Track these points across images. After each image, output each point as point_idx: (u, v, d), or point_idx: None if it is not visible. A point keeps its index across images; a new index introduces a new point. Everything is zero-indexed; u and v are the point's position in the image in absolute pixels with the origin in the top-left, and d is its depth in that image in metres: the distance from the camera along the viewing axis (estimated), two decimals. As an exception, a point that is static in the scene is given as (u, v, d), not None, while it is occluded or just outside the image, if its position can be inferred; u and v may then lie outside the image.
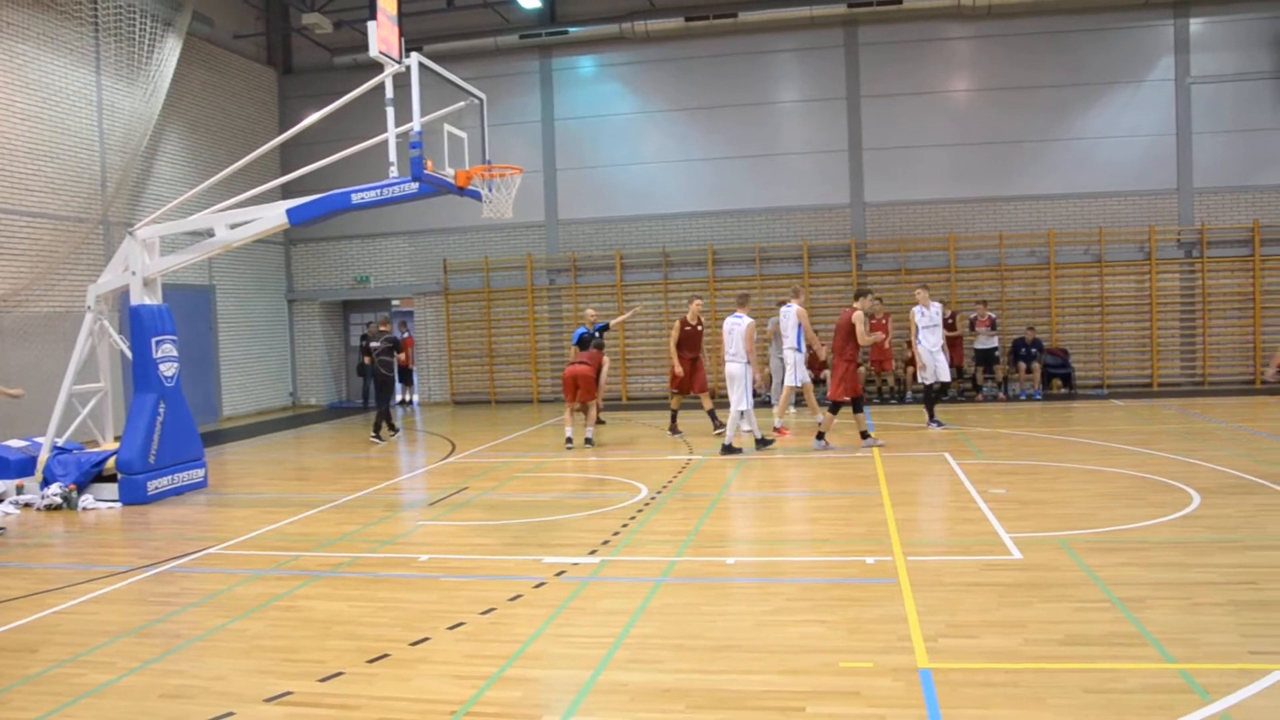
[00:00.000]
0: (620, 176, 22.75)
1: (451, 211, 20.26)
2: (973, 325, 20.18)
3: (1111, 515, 9.02)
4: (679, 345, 15.41)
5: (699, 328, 15.55)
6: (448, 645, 6.05)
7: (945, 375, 15.83)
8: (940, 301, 15.77)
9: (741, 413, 13.51)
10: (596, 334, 17.84)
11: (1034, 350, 20.08)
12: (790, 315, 15.20)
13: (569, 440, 14.82)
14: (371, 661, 5.79)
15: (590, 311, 18.08)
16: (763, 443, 13.86)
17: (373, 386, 18.96)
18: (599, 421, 17.33)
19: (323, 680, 5.51)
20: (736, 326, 13.55)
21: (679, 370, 15.26)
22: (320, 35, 22.16)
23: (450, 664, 5.73)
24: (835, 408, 13.70)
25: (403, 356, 23.97)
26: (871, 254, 21.84)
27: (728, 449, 13.49)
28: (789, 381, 15.41)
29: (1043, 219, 21.33)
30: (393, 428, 17.78)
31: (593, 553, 8.20)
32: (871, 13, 21.22)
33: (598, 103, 22.97)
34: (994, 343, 20.10)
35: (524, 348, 23.02)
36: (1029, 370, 20.05)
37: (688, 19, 21.64)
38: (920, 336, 15.57)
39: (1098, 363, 21.11)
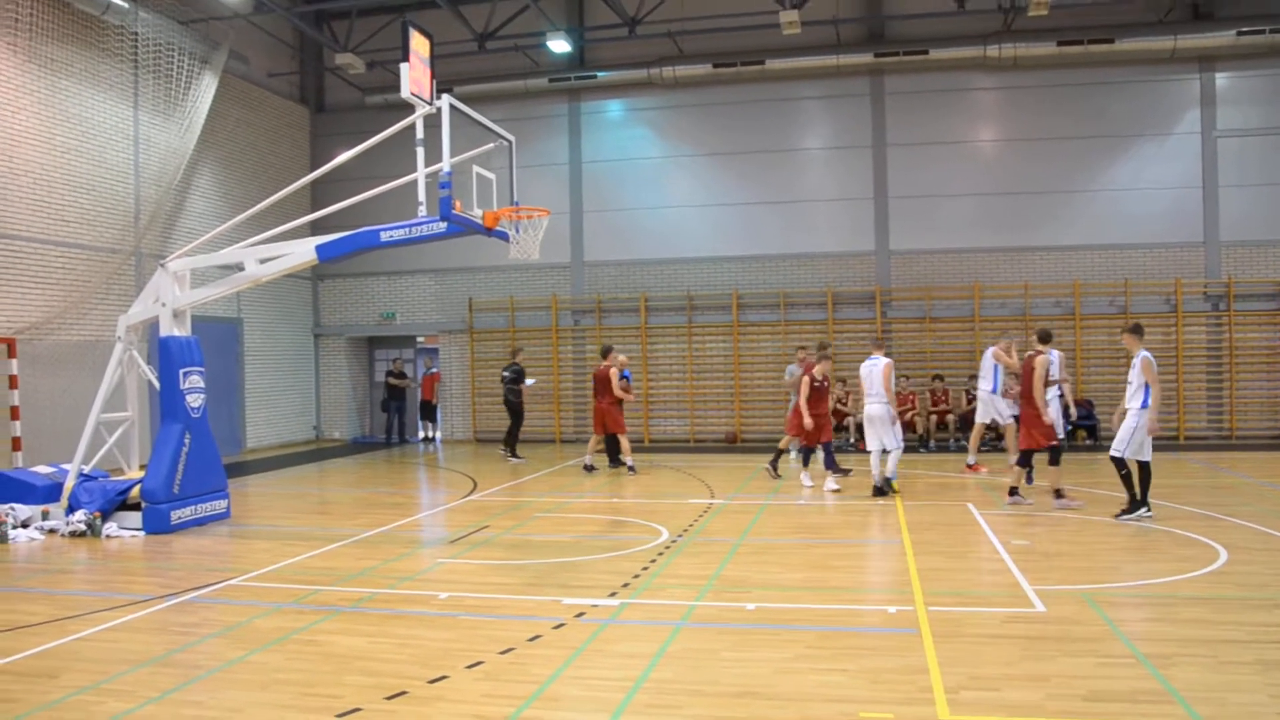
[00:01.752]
0: (646, 220, 22.89)
1: (477, 250, 20.48)
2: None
3: (1137, 569, 8.95)
4: (810, 401, 14.48)
5: (825, 384, 14.69)
6: (466, 684, 6.04)
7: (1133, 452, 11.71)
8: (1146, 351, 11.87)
9: (886, 452, 13.52)
10: (624, 379, 17.96)
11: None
12: (988, 357, 15.36)
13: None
14: (390, 698, 5.78)
15: (623, 358, 18.22)
16: (880, 491, 13.54)
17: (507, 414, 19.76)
18: (620, 463, 17.38)
19: (340, 716, 5.50)
20: (875, 368, 13.56)
21: (808, 424, 14.29)
22: (353, 75, 22.47)
23: (468, 703, 5.72)
24: (1025, 458, 12.78)
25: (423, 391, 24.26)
26: (896, 301, 21.84)
27: (879, 490, 13.47)
28: (979, 419, 15.78)
29: (1068, 269, 21.30)
30: (514, 453, 19.22)
31: (613, 595, 8.18)
32: (897, 62, 21.38)
33: (625, 146, 23.17)
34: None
35: (548, 388, 23.06)
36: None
37: (715, 65, 21.84)
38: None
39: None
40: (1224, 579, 8.59)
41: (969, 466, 15.88)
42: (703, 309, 22.57)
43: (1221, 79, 21.04)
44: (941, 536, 10.64)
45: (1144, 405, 11.32)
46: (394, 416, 24.12)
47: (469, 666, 6.34)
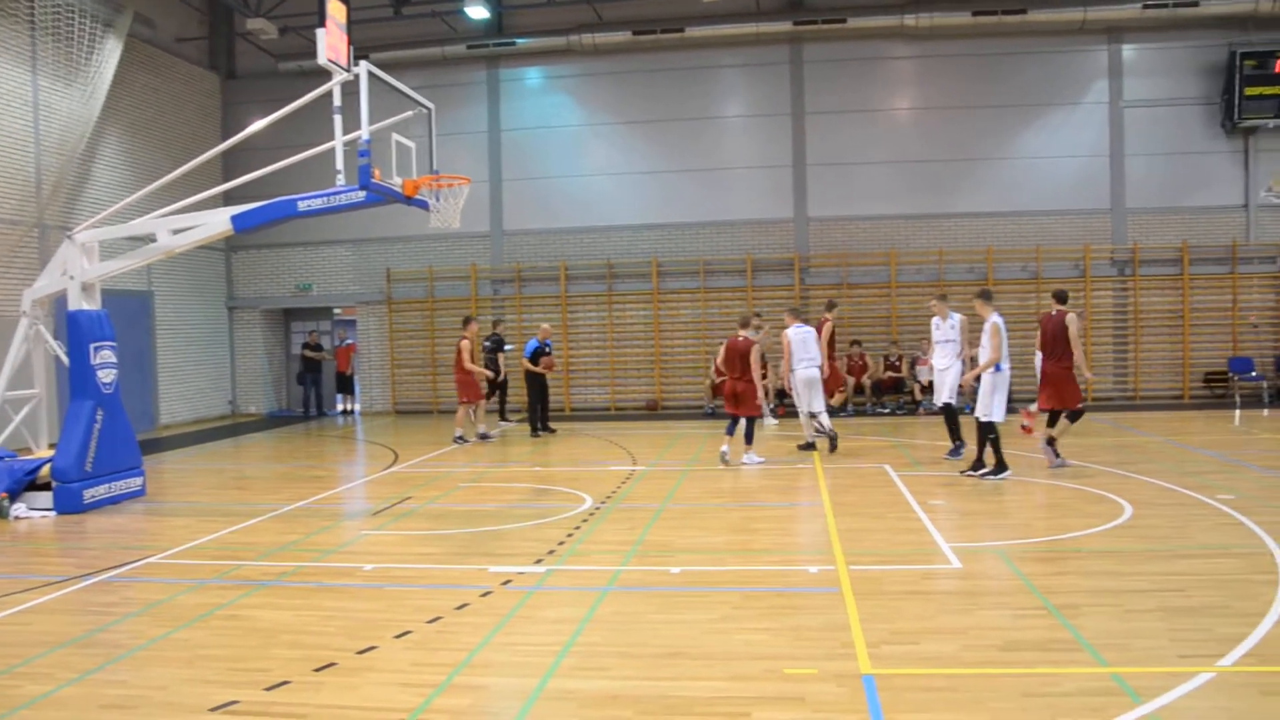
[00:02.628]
0: (566, 188, 22.80)
1: (396, 220, 20.25)
2: (914, 365, 20.49)
3: (1047, 526, 9.25)
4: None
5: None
6: (395, 654, 6.04)
7: (945, 395, 13.39)
8: (959, 314, 13.38)
9: (813, 415, 14.42)
10: (547, 348, 18.04)
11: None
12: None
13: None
14: (318, 670, 5.76)
15: (546, 325, 18.39)
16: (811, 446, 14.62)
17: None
18: (550, 430, 17.74)
19: (268, 689, 5.48)
20: (809, 334, 14.52)
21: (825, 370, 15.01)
22: (265, 41, 21.95)
23: (398, 672, 5.73)
24: (1074, 416, 12.58)
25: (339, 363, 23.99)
26: (814, 268, 22.10)
27: (809, 446, 14.54)
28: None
29: (982, 236, 21.74)
30: (503, 418, 20.22)
31: (538, 562, 8.22)
32: (816, 30, 21.54)
33: (545, 114, 23.02)
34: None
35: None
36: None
37: (635, 33, 21.78)
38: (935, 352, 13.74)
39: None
40: (1129, 533, 8.92)
41: (1026, 423, 15.02)
42: (623, 277, 22.60)
43: (1128, 50, 21.60)
44: (861, 498, 10.87)
45: (998, 369, 11.95)
46: (311, 389, 23.79)
47: (397, 636, 6.34)
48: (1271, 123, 20.88)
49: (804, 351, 14.39)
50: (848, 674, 5.45)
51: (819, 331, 15.32)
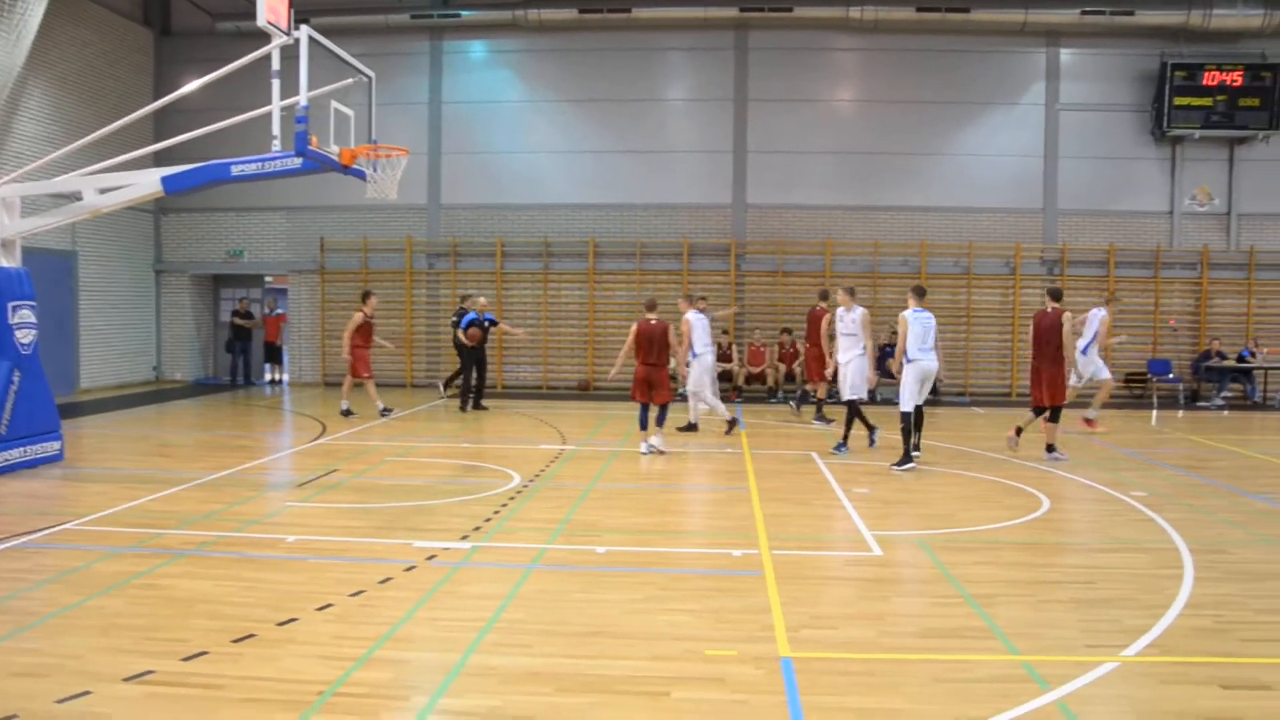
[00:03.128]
0: (506, 164, 22.65)
1: (331, 189, 19.92)
2: None
3: (967, 516, 9.43)
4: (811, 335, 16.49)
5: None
6: (316, 626, 6.01)
7: (859, 392, 13.50)
8: (862, 308, 13.51)
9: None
10: (486, 322, 17.98)
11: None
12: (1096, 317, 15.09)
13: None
14: (237, 641, 5.71)
15: (482, 300, 18.33)
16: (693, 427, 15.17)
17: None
18: (482, 407, 17.92)
19: (185, 659, 5.41)
20: (931, 320, 13.10)
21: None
22: (202, -1, 21.47)
23: (318, 645, 5.69)
24: (1054, 414, 12.99)
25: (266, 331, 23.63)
26: (751, 255, 22.23)
27: (692, 427, 15.25)
28: (1099, 375, 15.25)
29: (916, 230, 22.04)
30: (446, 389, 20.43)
31: (464, 538, 8.22)
32: (762, 18, 21.60)
33: (487, 88, 22.82)
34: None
35: (400, 331, 22.73)
36: (892, 375, 20.65)
37: (581, 10, 21.64)
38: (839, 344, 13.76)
39: (962, 371, 21.89)
40: (1044, 525, 9.17)
41: (1087, 421, 15.27)
42: (559, 256, 22.53)
43: (1066, 54, 22.02)
44: (787, 484, 11.01)
45: (861, 352, 13.18)
46: (239, 358, 23.39)
47: (319, 609, 6.30)
48: (1198, 133, 21.42)
49: (706, 337, 15.04)
50: (767, 656, 5.54)
51: (819, 322, 15.77)
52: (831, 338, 15.21)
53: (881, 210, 22.11)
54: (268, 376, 24.19)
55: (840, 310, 13.58)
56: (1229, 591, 6.97)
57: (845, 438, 13.46)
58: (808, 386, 17.79)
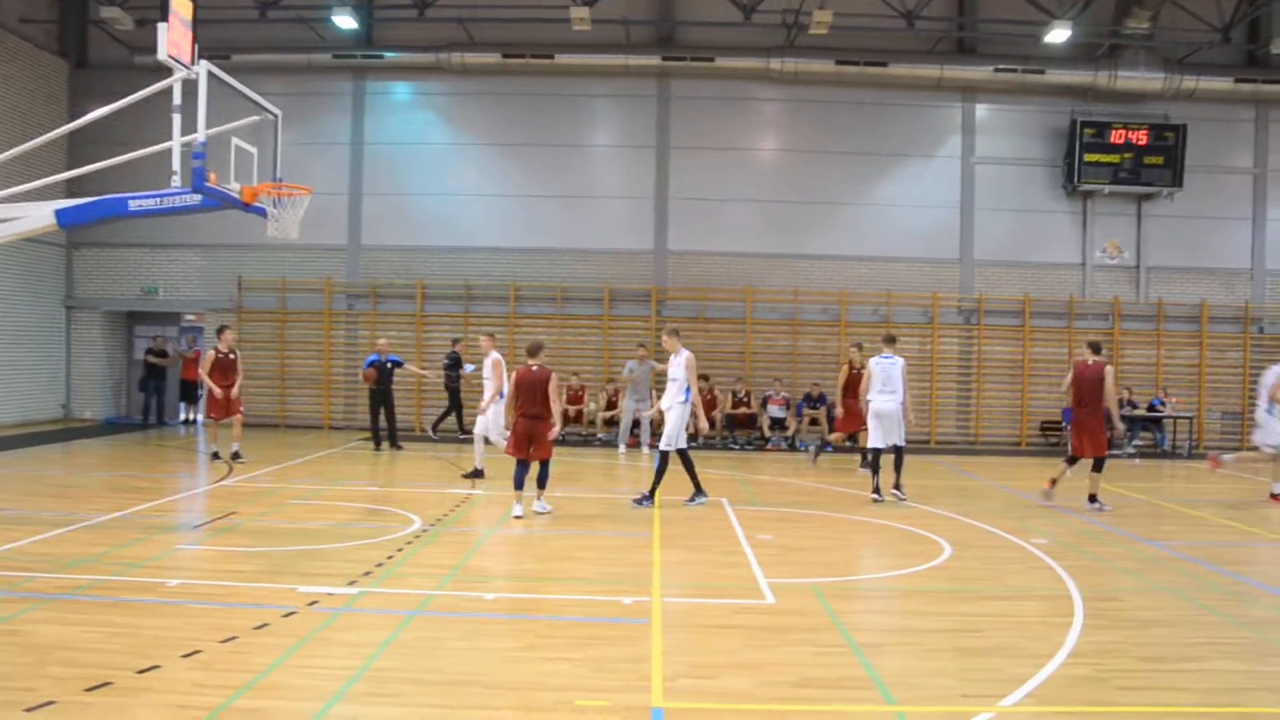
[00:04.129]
0: (428, 206, 22.53)
1: (249, 227, 19.30)
2: (765, 403, 20.84)
3: (866, 564, 9.46)
4: (844, 388, 16.26)
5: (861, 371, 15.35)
6: (178, 674, 5.80)
7: (680, 443, 12.62)
8: (688, 350, 12.75)
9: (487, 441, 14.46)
10: (389, 363, 17.84)
11: (821, 403, 20.90)
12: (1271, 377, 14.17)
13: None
14: (90, 690, 5.48)
15: (383, 341, 18.20)
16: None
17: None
18: (398, 447, 18.13)
19: (31, 710, 5.18)
20: (894, 366, 13.63)
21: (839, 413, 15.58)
22: (120, 31, 21.14)
23: (175, 694, 5.49)
24: (1098, 465, 13.09)
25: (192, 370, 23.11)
26: (672, 300, 22.29)
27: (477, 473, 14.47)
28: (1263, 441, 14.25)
29: (836, 278, 22.28)
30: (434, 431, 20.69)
31: (352, 583, 8.02)
32: (684, 67, 21.84)
33: (410, 130, 22.73)
34: (785, 413, 20.79)
35: (318, 372, 22.41)
36: (814, 423, 20.84)
37: (505, 55, 21.73)
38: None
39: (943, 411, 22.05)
40: (942, 572, 9.19)
41: (1274, 497, 14.24)
42: (480, 299, 22.40)
43: (981, 110, 22.56)
44: (690, 530, 10.94)
45: (686, 399, 12.51)
46: (153, 397, 22.86)
47: (185, 656, 6.09)
48: (1107, 188, 22.03)
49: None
50: (638, 707, 5.45)
51: (851, 374, 15.75)
52: (846, 388, 15.95)
53: (801, 258, 22.34)
54: (183, 416, 23.67)
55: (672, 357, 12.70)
56: (1115, 639, 7.02)
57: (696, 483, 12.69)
58: (833, 438, 17.83)
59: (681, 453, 12.54)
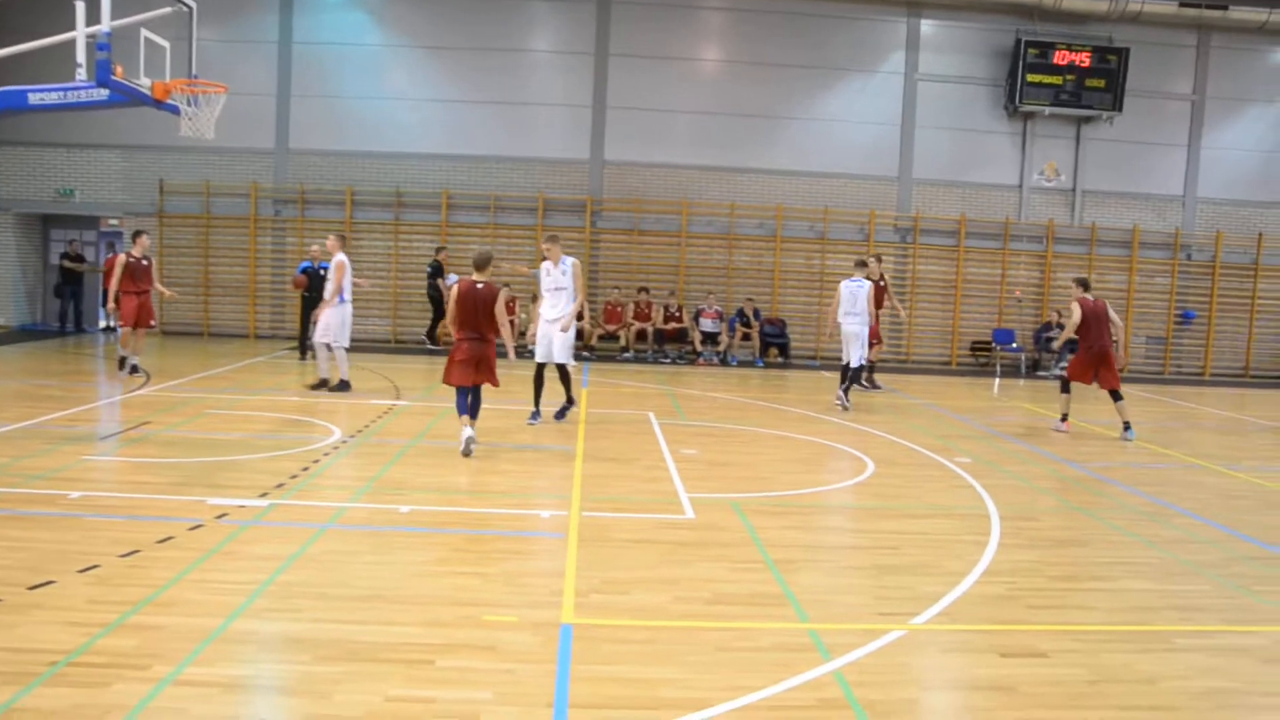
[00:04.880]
0: (359, 110, 21.80)
1: (171, 128, 18.74)
2: (698, 317, 20.69)
3: (789, 480, 9.41)
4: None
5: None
6: (72, 589, 5.57)
7: (562, 356, 11.96)
8: (571, 257, 11.86)
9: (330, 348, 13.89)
10: (323, 272, 17.35)
11: (754, 319, 20.85)
12: None
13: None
14: (-24, 606, 5.25)
15: (315, 248, 17.72)
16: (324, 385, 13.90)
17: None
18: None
19: (-90, 626, 4.95)
20: (860, 289, 14.20)
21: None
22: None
23: (68, 610, 5.27)
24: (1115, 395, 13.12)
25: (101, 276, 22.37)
26: (607, 212, 21.97)
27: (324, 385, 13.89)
28: None
29: (773, 193, 22.07)
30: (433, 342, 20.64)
31: (263, 495, 7.81)
32: (625, -28, 21.24)
33: (341, 31, 21.87)
34: (718, 328, 20.68)
35: (243, 279, 21.84)
36: (747, 338, 20.80)
37: (440, -46, 20.95)
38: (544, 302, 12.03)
39: (814, 335, 22.08)
40: (865, 490, 9.20)
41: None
42: (411, 207, 21.86)
43: (926, 25, 22.29)
44: (615, 444, 10.84)
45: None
46: (69, 303, 22.14)
47: (81, 571, 5.86)
48: (1048, 110, 21.96)
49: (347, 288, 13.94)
50: (547, 623, 5.34)
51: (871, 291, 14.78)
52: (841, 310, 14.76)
53: (740, 172, 22.08)
54: (101, 323, 23.00)
55: (546, 264, 11.77)
56: (1029, 558, 7.07)
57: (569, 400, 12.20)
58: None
59: (561, 365, 11.97)
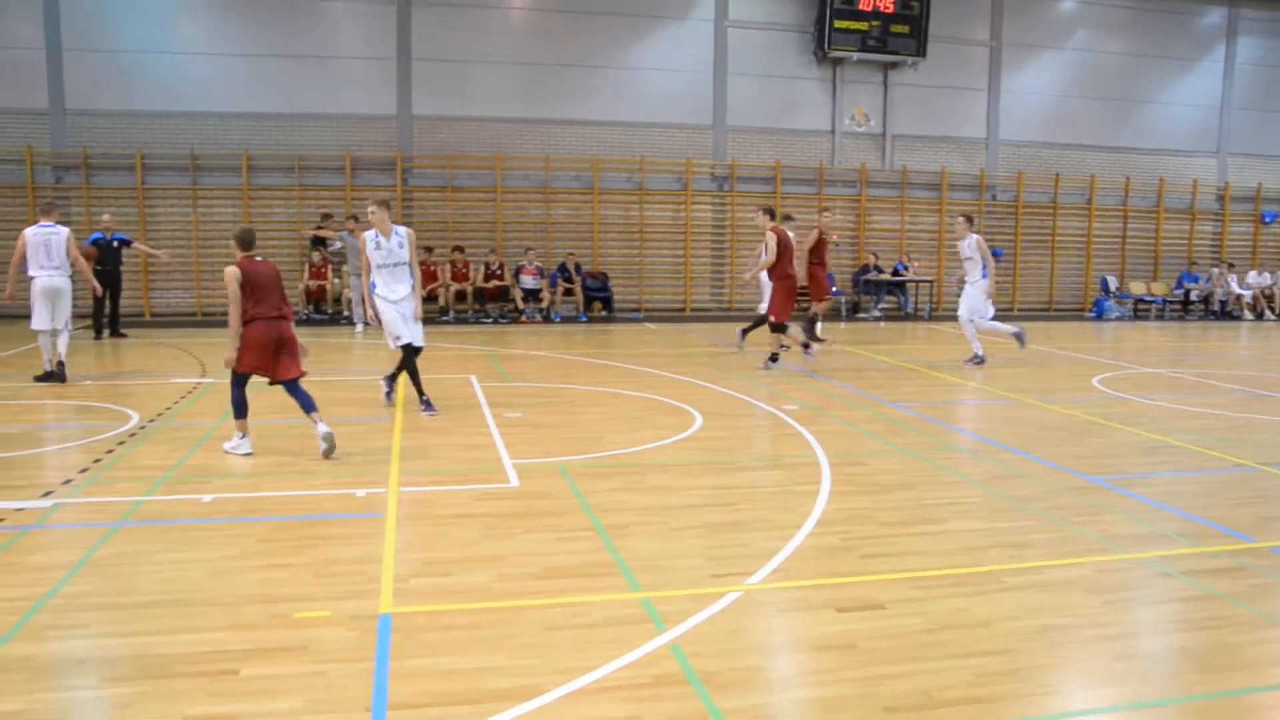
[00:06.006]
0: (145, 65, 20.33)
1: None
2: (518, 274, 20.27)
3: (616, 439, 9.21)
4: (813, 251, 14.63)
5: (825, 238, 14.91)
6: None
7: (405, 334, 10.24)
8: (406, 226, 10.40)
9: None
10: (115, 241, 16.28)
11: (576, 274, 20.58)
12: None
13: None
14: None
15: (106, 217, 16.53)
16: None
17: None
18: (121, 335, 16.79)
19: None
20: (55, 237, 12.16)
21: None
22: None
23: None
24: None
25: None
26: (419, 169, 21.24)
27: None
28: None
29: (589, 145, 21.77)
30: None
31: (47, 494, 7.10)
32: (426, -85, 20.39)
33: (117, -22, 20.34)
34: (539, 285, 20.31)
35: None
36: (569, 293, 20.53)
37: (224, -105, 19.62)
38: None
39: (636, 287, 21.99)
40: (693, 444, 9.07)
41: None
42: (209, 170, 20.61)
43: (733, -30, 22.22)
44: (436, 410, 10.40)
45: (409, 291, 10.27)
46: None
47: None
48: (856, 55, 22.33)
49: (46, 259, 12.18)
50: (364, 614, 4.96)
51: (810, 244, 14.49)
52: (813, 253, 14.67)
53: (554, 123, 21.68)
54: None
55: (373, 235, 10.08)
56: (860, 505, 7.06)
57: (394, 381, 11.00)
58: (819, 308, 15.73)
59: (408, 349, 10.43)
